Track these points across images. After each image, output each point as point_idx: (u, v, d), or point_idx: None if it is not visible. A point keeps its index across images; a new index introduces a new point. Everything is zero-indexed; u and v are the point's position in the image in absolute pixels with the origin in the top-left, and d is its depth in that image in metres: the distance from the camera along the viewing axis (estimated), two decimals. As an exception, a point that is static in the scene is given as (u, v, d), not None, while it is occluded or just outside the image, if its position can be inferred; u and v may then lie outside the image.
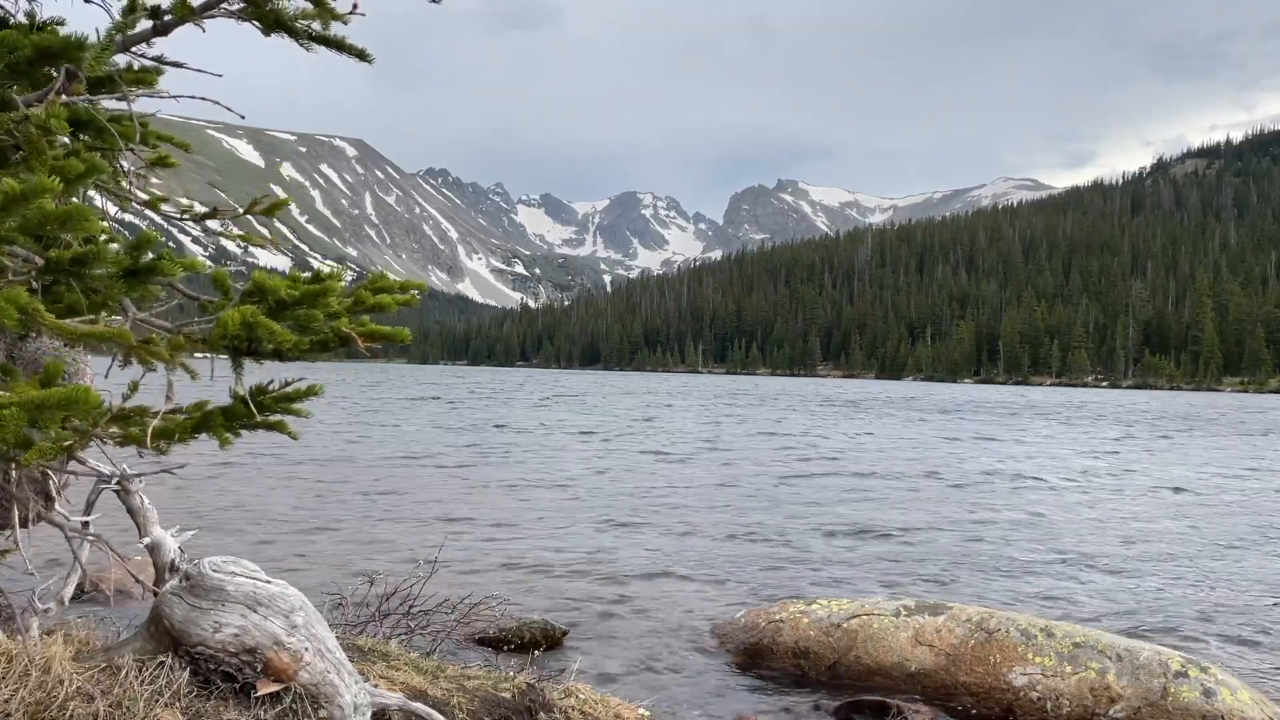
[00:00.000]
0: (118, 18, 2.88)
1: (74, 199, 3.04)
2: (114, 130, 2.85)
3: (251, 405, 2.82)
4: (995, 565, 9.39)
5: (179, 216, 3.40)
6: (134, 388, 2.89)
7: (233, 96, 3.49)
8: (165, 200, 3.38)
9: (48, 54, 2.43)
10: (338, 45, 3.05)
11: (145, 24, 2.92)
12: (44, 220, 2.09)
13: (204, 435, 2.92)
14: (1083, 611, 7.63)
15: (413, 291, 3.08)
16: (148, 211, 3.46)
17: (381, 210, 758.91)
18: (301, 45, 3.01)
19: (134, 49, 2.96)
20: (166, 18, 2.89)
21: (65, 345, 3.16)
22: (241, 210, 3.47)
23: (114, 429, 2.78)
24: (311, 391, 2.99)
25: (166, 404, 2.92)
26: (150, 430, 2.76)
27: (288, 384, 2.97)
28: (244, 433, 2.96)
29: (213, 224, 3.55)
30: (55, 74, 2.63)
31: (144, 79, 2.98)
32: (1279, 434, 32.19)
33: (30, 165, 2.39)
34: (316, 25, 2.97)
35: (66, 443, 2.63)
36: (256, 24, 2.95)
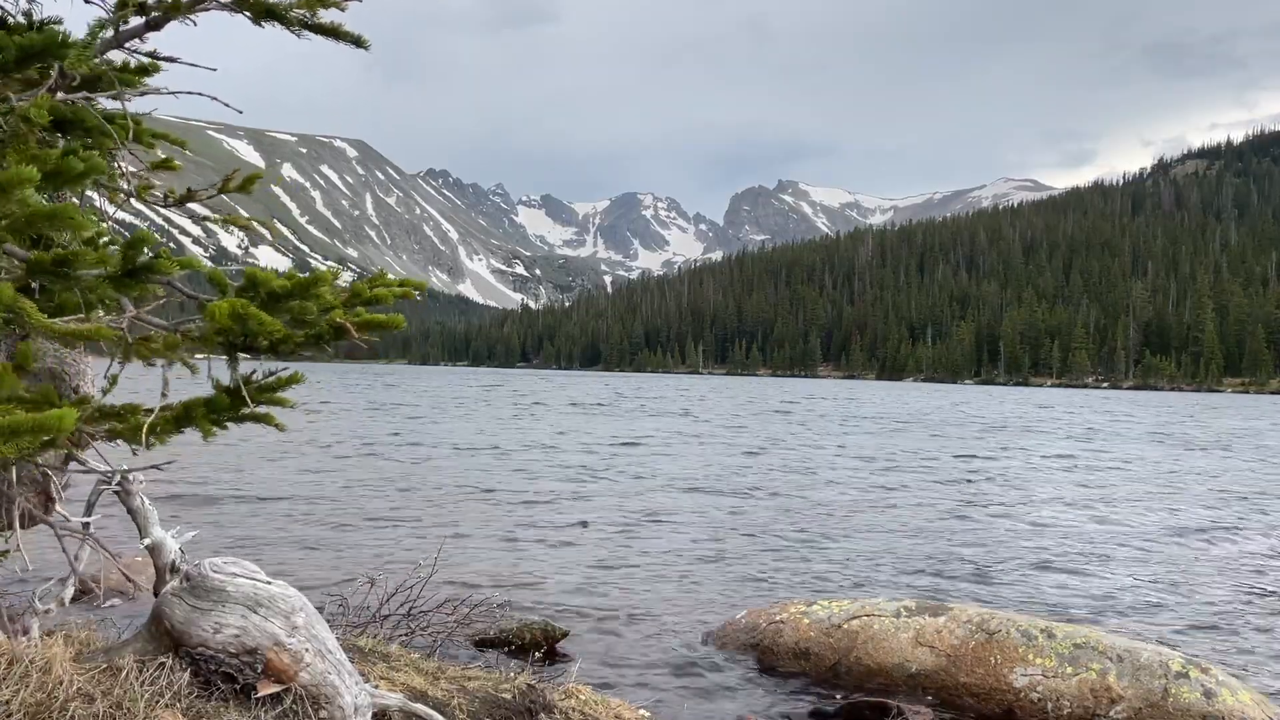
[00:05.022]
0: (111, 16, 2.87)
1: (73, 199, 3.03)
2: (108, 128, 2.84)
3: (236, 395, 2.80)
4: (997, 567, 9.38)
5: (164, 203, 3.38)
6: (113, 381, 2.88)
7: (232, 96, 3.47)
8: (151, 187, 3.35)
9: (31, 54, 2.41)
10: (332, 33, 3.00)
11: (137, 20, 2.90)
12: (31, 219, 2.07)
13: (188, 430, 2.91)
14: (1083, 613, 7.62)
15: (410, 288, 3.07)
16: (137, 204, 3.45)
17: (382, 211, 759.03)
18: (294, 33, 2.97)
19: (127, 45, 2.94)
20: (154, 14, 2.87)
21: (64, 345, 3.15)
22: (215, 190, 3.42)
23: (105, 425, 2.77)
24: (294, 379, 2.98)
25: (161, 401, 2.91)
26: (145, 427, 2.75)
27: (270, 374, 2.96)
28: (231, 426, 2.95)
29: (197, 206, 3.52)
30: (50, 72, 2.62)
31: (138, 74, 2.96)
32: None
33: (7, 155, 2.37)
34: (308, 14, 2.94)
35: (63, 452, 2.62)
36: (247, 14, 2.92)
